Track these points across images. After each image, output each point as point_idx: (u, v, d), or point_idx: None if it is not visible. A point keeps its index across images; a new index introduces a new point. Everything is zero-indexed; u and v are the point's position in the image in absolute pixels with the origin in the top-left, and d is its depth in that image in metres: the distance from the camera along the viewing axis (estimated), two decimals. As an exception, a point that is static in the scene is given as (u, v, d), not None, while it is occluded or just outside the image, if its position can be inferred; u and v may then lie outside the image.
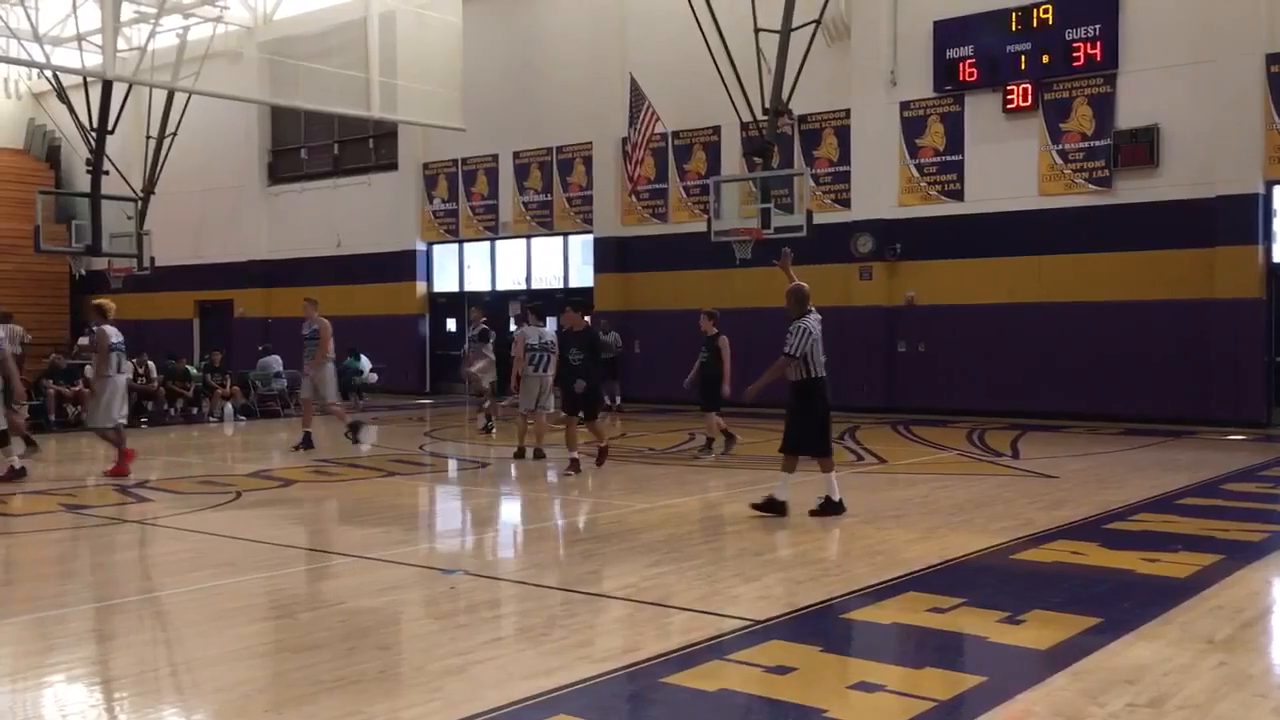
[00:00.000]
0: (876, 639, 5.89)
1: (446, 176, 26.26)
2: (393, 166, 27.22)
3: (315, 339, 14.78)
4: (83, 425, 18.52)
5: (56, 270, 30.27)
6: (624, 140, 22.07)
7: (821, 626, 6.09)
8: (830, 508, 9.22)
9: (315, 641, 5.73)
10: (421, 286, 26.86)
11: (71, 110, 22.28)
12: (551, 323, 16.22)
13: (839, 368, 19.98)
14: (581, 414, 12.39)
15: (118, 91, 21.69)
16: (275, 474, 12.56)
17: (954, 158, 19.21)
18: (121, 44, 21.76)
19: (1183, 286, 17.01)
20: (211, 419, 19.71)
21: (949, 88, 19.14)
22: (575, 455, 12.07)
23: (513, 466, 13.05)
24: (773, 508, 9.17)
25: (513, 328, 18.41)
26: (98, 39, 19.53)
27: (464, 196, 25.93)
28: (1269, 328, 16.59)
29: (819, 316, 9.36)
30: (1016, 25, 18.36)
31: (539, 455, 13.38)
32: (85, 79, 21.42)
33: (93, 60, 20.20)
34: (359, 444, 15.13)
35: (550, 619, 6.15)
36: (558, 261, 24.86)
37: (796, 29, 17.77)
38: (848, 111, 20.31)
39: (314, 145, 28.99)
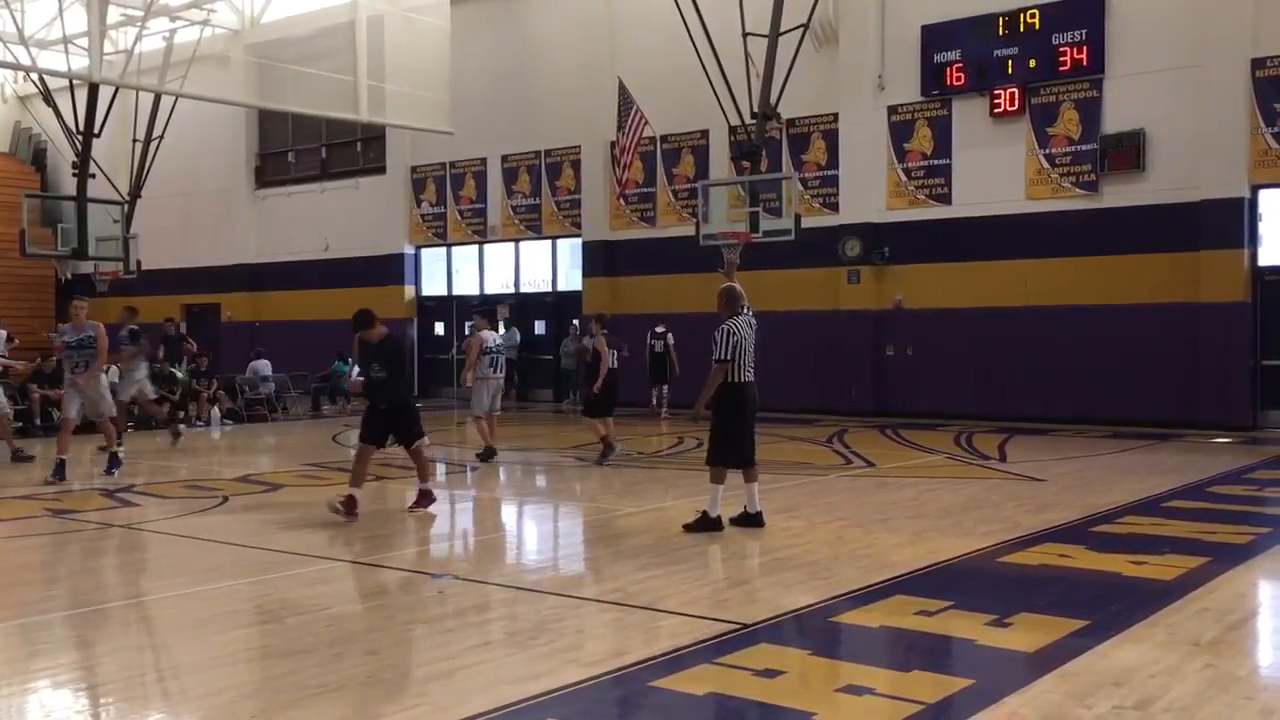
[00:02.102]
0: (865, 642, 5.89)
1: (434, 180, 26.22)
2: (381, 170, 27.17)
3: (86, 348, 12.61)
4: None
5: (42, 274, 30.12)
6: (612, 144, 22.07)
7: (810, 630, 6.10)
8: (747, 520, 8.85)
9: (302, 646, 5.70)
10: (409, 290, 26.79)
11: (58, 113, 22.21)
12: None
13: (828, 371, 20.37)
14: (395, 439, 10.08)
15: (104, 94, 21.63)
16: (262, 478, 12.51)
17: (941, 162, 19.25)
18: (108, 47, 21.68)
19: (1169, 290, 17.08)
20: (198, 423, 19.62)
21: (936, 92, 19.19)
22: (355, 491, 9.75)
23: (501, 471, 13.02)
24: (706, 525, 8.64)
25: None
26: (84, 42, 19.42)
27: (452, 200, 25.89)
28: (1254, 331, 16.66)
29: (751, 318, 8.96)
30: (1003, 30, 18.40)
31: (488, 455, 13.59)
32: (71, 82, 21.34)
33: (79, 63, 20.08)
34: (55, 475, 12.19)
35: (538, 623, 6.14)
36: (546, 265, 24.84)
37: (784, 33, 17.82)
38: (835, 116, 20.34)
39: (302, 149, 28.93)
